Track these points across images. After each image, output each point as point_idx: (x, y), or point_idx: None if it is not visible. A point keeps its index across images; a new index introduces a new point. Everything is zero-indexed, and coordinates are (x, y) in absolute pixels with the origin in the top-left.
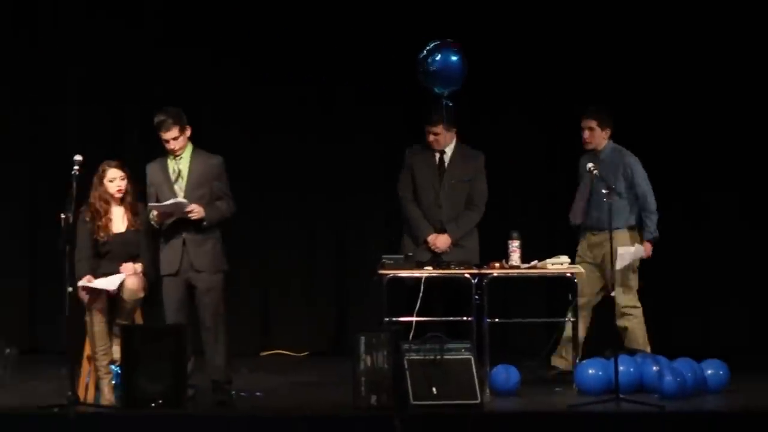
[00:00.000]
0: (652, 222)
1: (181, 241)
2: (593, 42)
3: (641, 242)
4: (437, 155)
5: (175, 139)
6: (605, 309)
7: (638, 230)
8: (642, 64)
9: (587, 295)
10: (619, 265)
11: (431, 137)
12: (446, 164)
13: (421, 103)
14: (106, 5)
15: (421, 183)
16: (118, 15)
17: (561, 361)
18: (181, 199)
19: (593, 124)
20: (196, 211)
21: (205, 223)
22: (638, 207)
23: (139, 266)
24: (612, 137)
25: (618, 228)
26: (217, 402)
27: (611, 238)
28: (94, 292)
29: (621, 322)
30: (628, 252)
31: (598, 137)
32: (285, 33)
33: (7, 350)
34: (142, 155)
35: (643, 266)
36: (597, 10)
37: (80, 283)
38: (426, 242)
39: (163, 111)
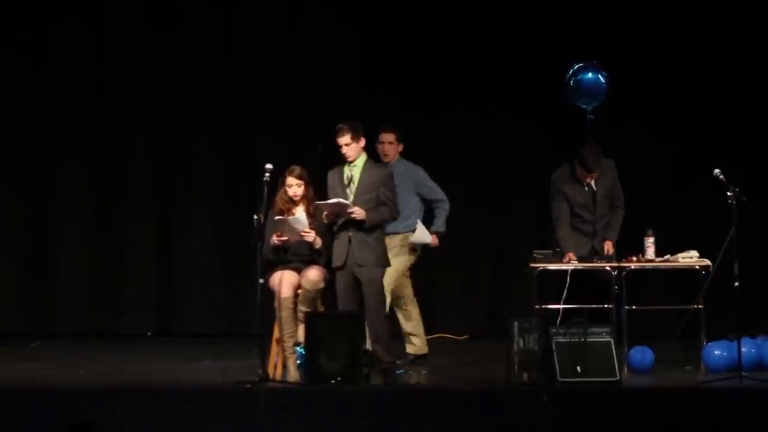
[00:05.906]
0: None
1: (347, 239)
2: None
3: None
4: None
5: (347, 145)
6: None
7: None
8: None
9: None
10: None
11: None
12: (594, 186)
13: (565, 124)
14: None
15: (578, 207)
16: (319, 49)
17: None
18: (342, 199)
19: None
20: (357, 212)
21: (366, 224)
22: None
23: (312, 234)
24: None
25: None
26: (381, 380)
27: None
28: (284, 226)
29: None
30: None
31: None
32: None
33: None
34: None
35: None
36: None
37: (273, 239)
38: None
39: (343, 121)
